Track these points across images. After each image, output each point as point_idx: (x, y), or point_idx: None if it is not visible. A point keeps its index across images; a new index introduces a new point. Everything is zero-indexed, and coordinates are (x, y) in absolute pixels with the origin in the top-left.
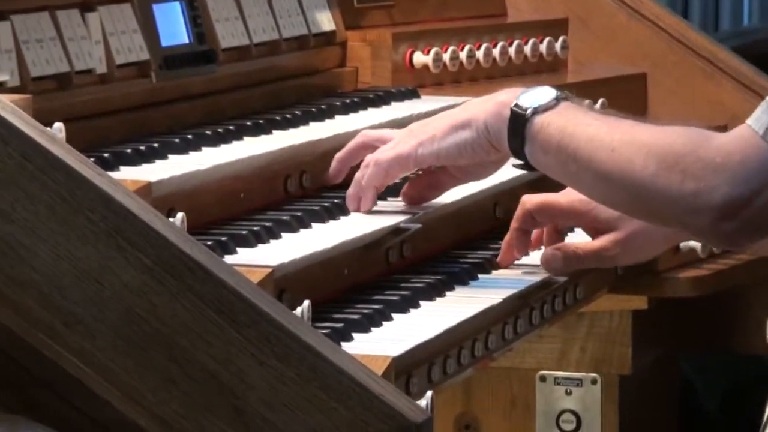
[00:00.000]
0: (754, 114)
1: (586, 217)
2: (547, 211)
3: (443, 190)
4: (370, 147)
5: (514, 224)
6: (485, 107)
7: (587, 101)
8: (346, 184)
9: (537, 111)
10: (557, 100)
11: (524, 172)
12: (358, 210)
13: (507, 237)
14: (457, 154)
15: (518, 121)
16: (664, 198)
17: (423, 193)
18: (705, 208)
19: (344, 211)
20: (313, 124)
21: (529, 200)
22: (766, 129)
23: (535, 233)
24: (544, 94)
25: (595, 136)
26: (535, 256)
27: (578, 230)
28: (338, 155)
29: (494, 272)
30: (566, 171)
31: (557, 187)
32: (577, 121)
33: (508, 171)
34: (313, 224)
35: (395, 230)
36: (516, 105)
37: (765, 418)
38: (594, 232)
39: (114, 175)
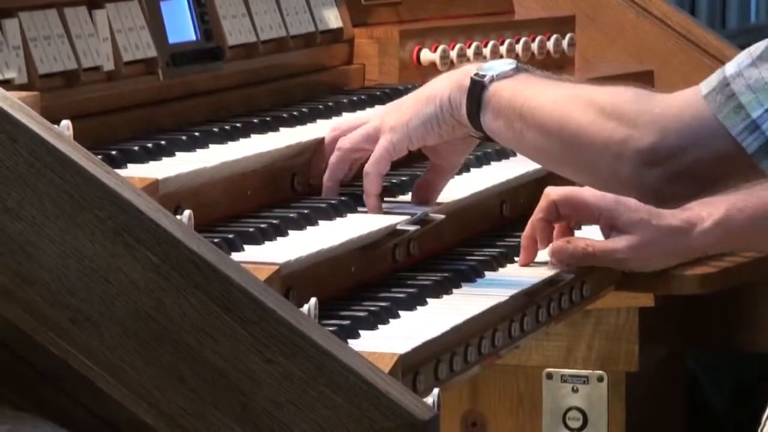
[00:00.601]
0: (708, 78)
1: (607, 214)
2: (572, 203)
3: (438, 188)
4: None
5: (537, 215)
6: (449, 79)
7: (549, 73)
8: (349, 182)
9: (494, 79)
10: (517, 70)
11: (530, 170)
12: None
13: (527, 231)
14: (424, 131)
15: (476, 89)
16: (596, 146)
17: (425, 195)
18: (630, 153)
19: (351, 209)
20: (320, 122)
21: (554, 191)
22: (709, 90)
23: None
24: (504, 64)
25: (540, 92)
26: (542, 254)
27: (585, 228)
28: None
29: (501, 270)
30: (512, 130)
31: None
32: (529, 83)
33: (515, 169)
34: (320, 222)
35: (398, 230)
36: (476, 74)
37: (765, 416)
38: (609, 230)
39: (121, 172)
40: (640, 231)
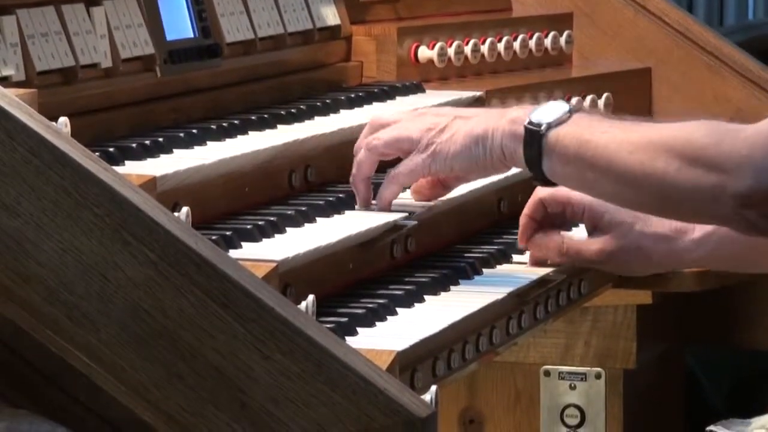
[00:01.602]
0: None
1: (590, 213)
2: (558, 200)
3: (450, 189)
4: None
5: (524, 212)
6: (500, 125)
7: (600, 109)
8: (349, 179)
9: (551, 126)
10: (570, 113)
11: None
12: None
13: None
14: (469, 169)
15: (533, 138)
16: (689, 192)
17: (433, 192)
18: (728, 198)
19: (349, 206)
20: (317, 119)
21: (542, 190)
22: None
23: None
24: (556, 108)
25: (610, 141)
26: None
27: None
28: (356, 145)
29: (498, 267)
30: (585, 179)
31: None
32: (592, 129)
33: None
34: (317, 219)
35: (395, 226)
36: (530, 122)
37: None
38: (592, 229)
39: (119, 169)
40: (619, 234)
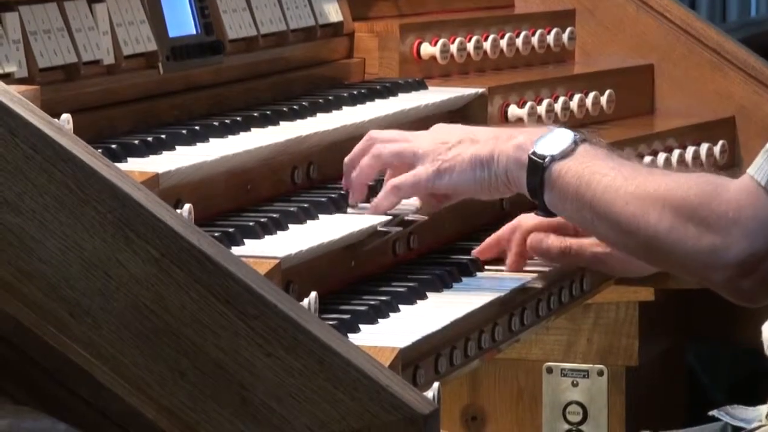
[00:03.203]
0: (755, 162)
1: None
2: (549, 227)
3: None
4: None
5: (500, 233)
6: (505, 150)
7: (605, 141)
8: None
9: (555, 158)
10: (575, 144)
11: None
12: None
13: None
14: (473, 191)
15: (537, 169)
16: (680, 251)
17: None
18: (722, 265)
19: None
20: (320, 115)
21: (527, 221)
22: (765, 179)
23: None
24: (561, 139)
25: (609, 186)
26: None
27: None
28: (347, 159)
29: (501, 264)
30: (583, 218)
31: None
32: (594, 169)
33: None
34: (320, 215)
35: (402, 222)
36: (534, 153)
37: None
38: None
39: (121, 166)
40: None
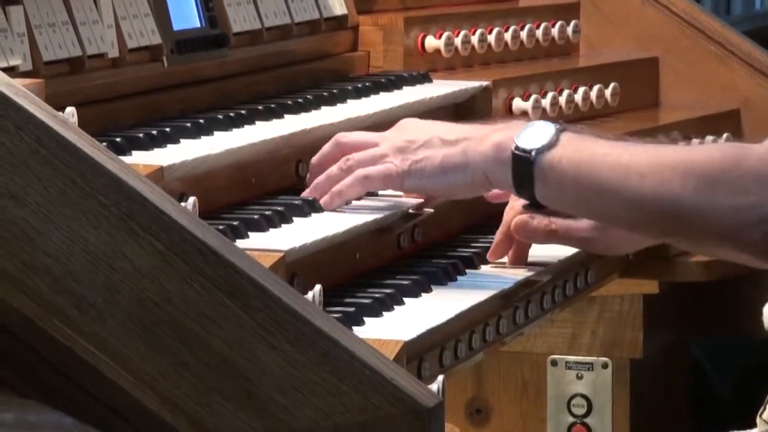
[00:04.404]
0: None
1: None
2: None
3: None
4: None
5: (502, 228)
6: (481, 150)
7: (583, 127)
8: None
9: (541, 150)
10: (558, 134)
11: None
12: (321, 202)
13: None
14: (449, 194)
15: (523, 165)
16: (711, 216)
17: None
18: (757, 222)
19: None
20: (324, 109)
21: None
22: None
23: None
24: (542, 130)
25: (617, 164)
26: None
27: None
28: (314, 162)
29: (505, 257)
30: (588, 204)
31: None
32: (592, 151)
33: None
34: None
35: (406, 215)
36: (517, 148)
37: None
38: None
39: (126, 159)
40: None
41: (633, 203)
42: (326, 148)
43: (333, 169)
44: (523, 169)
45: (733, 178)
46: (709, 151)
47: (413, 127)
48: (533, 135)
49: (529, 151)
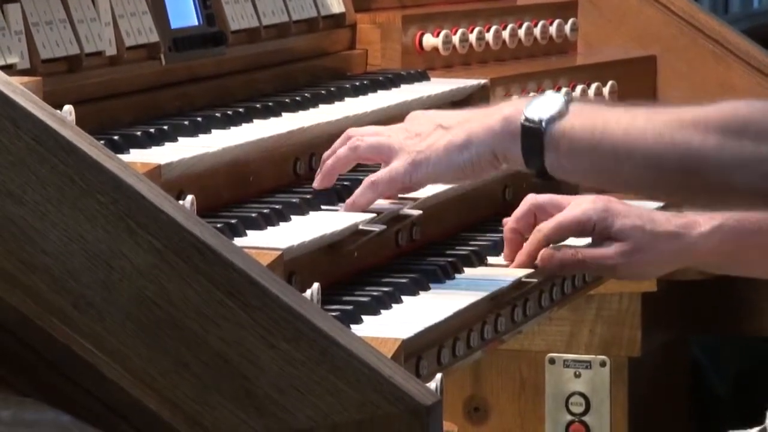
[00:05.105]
0: None
1: (603, 221)
2: (555, 206)
3: (423, 186)
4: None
5: (511, 224)
6: (487, 125)
7: (592, 97)
8: (358, 167)
9: (552, 120)
10: (566, 104)
11: None
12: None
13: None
14: (455, 177)
15: (533, 135)
16: (732, 166)
17: (402, 187)
18: None
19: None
20: (322, 107)
21: (537, 197)
22: None
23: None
24: (551, 101)
25: (630, 127)
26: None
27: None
28: (326, 156)
29: (503, 255)
30: (602, 170)
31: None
32: (604, 118)
33: None
34: (322, 206)
35: (397, 216)
36: (526, 119)
37: None
38: (601, 239)
39: (124, 157)
40: (633, 237)
41: (651, 163)
42: (338, 141)
43: (340, 152)
44: (534, 139)
45: (761, 127)
46: (734, 104)
47: (417, 119)
48: (542, 105)
49: (539, 121)
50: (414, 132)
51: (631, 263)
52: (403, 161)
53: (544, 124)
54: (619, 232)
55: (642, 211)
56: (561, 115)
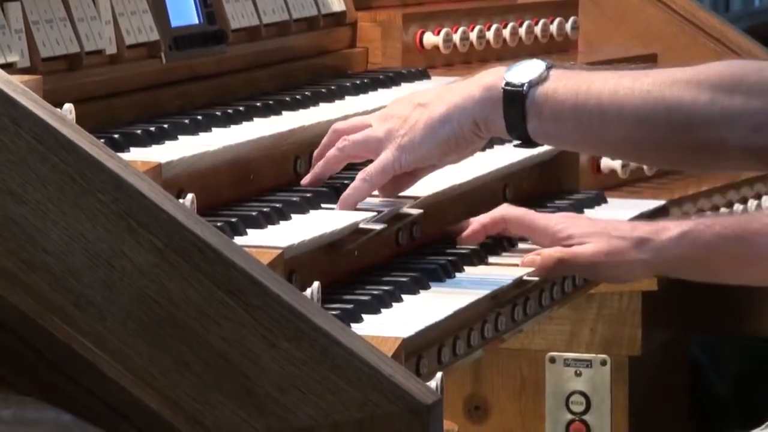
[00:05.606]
0: None
1: (561, 233)
2: (524, 224)
3: (419, 178)
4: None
5: (482, 220)
6: (467, 94)
7: (575, 63)
8: (354, 165)
9: (533, 84)
10: (548, 69)
11: (534, 153)
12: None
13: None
14: (442, 153)
15: (515, 99)
16: (722, 122)
17: (398, 183)
18: None
19: None
20: (323, 105)
21: (510, 211)
22: None
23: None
24: (532, 66)
25: (618, 87)
26: None
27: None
28: (316, 154)
29: (504, 254)
30: (587, 132)
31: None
32: (588, 80)
33: (518, 152)
34: (322, 205)
35: (397, 215)
36: (507, 84)
37: None
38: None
39: (124, 156)
40: (601, 240)
41: (640, 120)
42: (325, 139)
43: (329, 154)
44: (516, 104)
45: (753, 82)
46: (727, 63)
47: (399, 102)
48: (524, 70)
49: (521, 85)
50: (396, 116)
51: (609, 261)
52: (391, 148)
53: (526, 87)
54: (585, 236)
55: (609, 221)
56: (543, 79)
